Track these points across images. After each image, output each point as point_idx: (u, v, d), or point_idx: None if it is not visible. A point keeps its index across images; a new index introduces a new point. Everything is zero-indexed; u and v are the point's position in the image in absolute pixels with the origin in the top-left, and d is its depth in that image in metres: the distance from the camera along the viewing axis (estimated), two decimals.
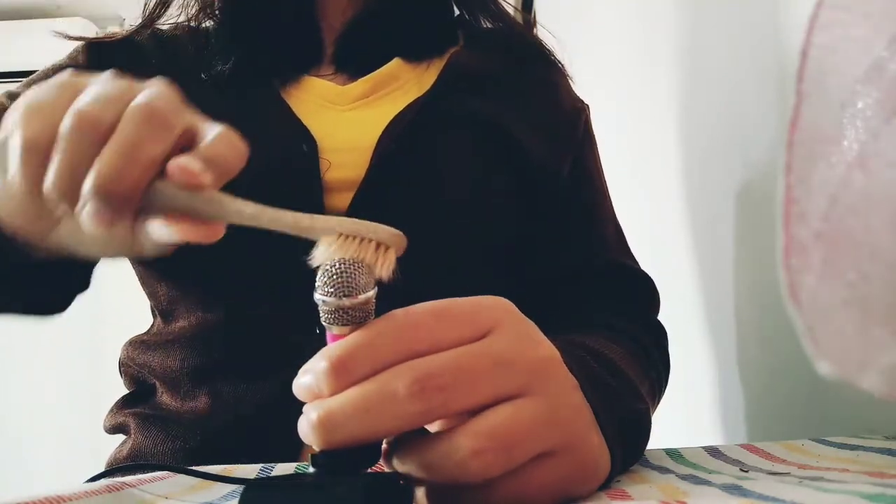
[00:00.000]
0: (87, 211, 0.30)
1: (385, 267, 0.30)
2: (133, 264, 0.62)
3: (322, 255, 0.30)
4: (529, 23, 0.76)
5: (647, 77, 0.98)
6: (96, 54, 0.62)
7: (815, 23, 0.25)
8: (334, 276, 0.29)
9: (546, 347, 0.32)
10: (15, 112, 0.32)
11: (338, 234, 0.30)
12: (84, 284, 0.57)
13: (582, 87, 0.72)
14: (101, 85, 0.33)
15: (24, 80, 0.61)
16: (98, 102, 0.31)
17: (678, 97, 0.87)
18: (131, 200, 0.30)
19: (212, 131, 0.33)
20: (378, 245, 0.30)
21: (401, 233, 0.30)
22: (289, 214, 0.31)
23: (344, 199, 0.55)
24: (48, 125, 0.31)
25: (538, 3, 1.66)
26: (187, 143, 0.33)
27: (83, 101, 0.31)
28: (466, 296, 0.31)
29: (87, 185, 0.30)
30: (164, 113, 0.31)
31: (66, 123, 0.31)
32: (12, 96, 0.59)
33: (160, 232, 0.31)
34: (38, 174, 0.31)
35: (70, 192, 0.31)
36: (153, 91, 0.32)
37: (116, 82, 0.33)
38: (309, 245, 0.31)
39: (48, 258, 0.40)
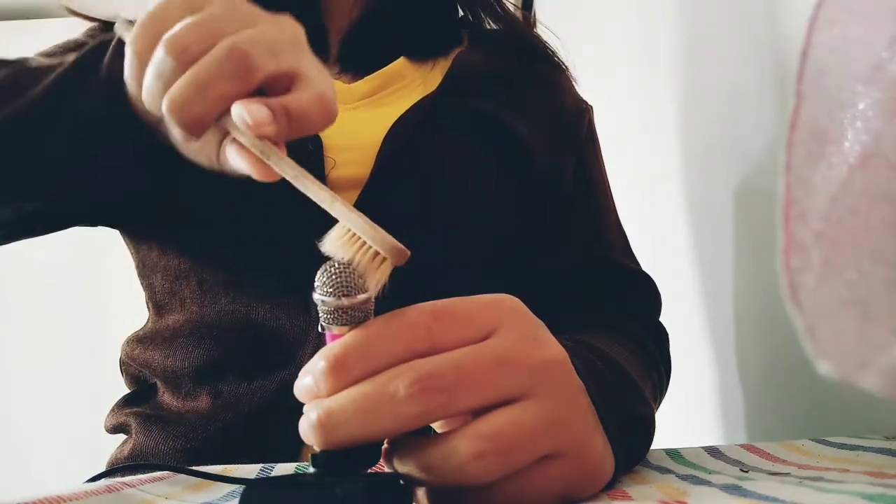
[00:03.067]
0: (167, 123, 0.34)
1: (375, 279, 0.29)
2: (132, 254, 0.62)
3: (327, 245, 0.30)
4: (529, 21, 0.76)
5: (647, 77, 0.98)
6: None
7: (815, 23, 0.25)
8: (333, 276, 0.28)
9: (552, 348, 0.31)
10: (138, 21, 0.35)
11: (345, 227, 0.30)
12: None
13: (582, 86, 0.72)
14: (207, 13, 0.34)
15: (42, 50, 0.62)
16: (192, 33, 0.33)
17: (678, 97, 0.87)
18: (199, 126, 0.33)
19: (311, 86, 0.34)
20: (376, 254, 0.29)
21: (405, 250, 0.29)
22: (319, 190, 0.31)
23: (349, 198, 0.55)
24: (152, 41, 0.34)
25: (538, 2, 1.66)
26: (283, 86, 0.34)
27: (180, 27, 0.33)
28: (469, 295, 0.31)
29: (163, 106, 0.33)
30: (250, 56, 0.33)
31: (160, 45, 0.33)
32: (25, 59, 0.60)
33: (231, 156, 0.34)
34: (140, 79, 0.35)
35: (156, 105, 0.34)
36: (255, 32, 0.34)
37: (230, 10, 0.35)
38: (308, 245, 0.31)
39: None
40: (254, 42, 0.33)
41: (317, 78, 0.35)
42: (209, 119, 0.33)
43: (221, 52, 0.32)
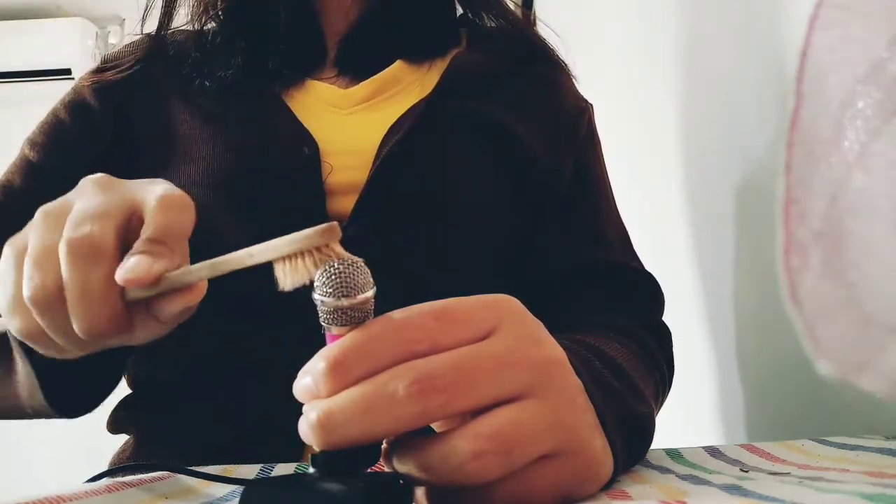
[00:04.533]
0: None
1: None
2: None
3: (281, 280, 0.31)
4: (530, 19, 0.76)
5: (647, 77, 0.98)
6: (101, 92, 0.63)
7: (815, 23, 0.25)
8: (332, 277, 0.28)
9: (551, 347, 0.31)
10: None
11: (279, 259, 0.31)
12: (116, 378, 0.53)
13: (582, 85, 0.72)
14: (33, 249, 0.34)
15: (40, 123, 0.62)
16: (36, 276, 0.33)
17: (678, 97, 0.87)
18: (117, 319, 0.33)
19: (150, 201, 0.35)
20: (319, 247, 0.30)
21: (331, 223, 0.30)
22: (234, 257, 0.32)
23: (347, 203, 0.55)
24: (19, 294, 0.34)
25: (538, 0, 1.66)
26: (135, 220, 0.35)
27: (27, 283, 0.34)
28: (469, 295, 0.31)
29: (80, 335, 0.33)
30: (91, 236, 0.33)
31: (31, 306, 0.34)
32: (33, 144, 0.61)
33: (160, 313, 0.34)
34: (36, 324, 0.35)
35: (68, 336, 0.34)
36: (72, 220, 0.34)
37: (43, 234, 0.34)
38: None
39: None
40: (80, 228, 0.33)
41: (149, 191, 0.35)
42: (119, 309, 0.33)
43: (69, 261, 0.33)
